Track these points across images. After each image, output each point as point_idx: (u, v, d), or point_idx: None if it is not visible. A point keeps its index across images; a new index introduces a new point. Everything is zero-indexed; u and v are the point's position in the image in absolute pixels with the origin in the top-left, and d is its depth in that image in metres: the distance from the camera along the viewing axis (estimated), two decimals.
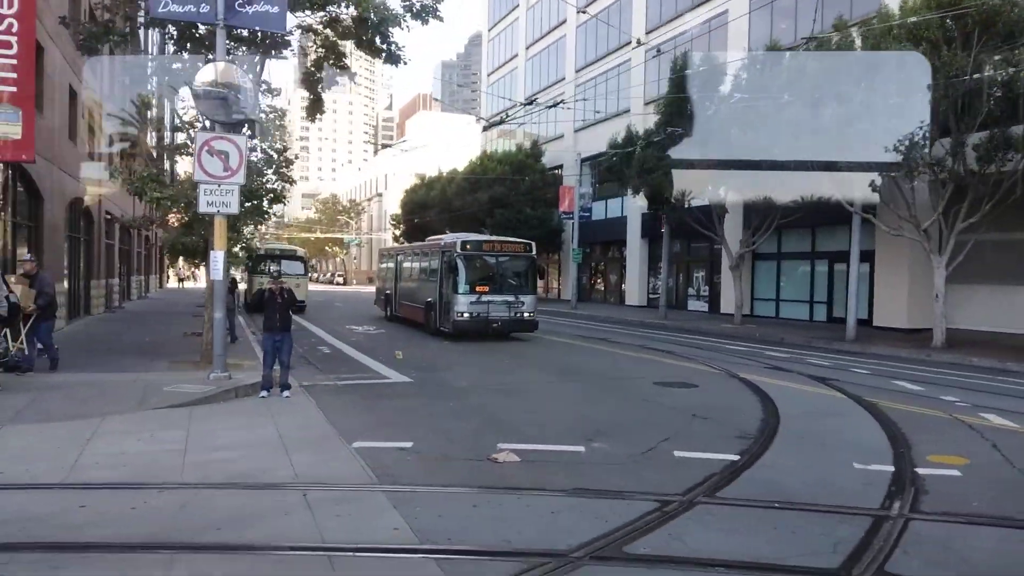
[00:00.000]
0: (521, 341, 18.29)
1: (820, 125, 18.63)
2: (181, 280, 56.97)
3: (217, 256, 10.35)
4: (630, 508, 5.32)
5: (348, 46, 14.73)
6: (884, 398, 10.42)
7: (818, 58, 19.21)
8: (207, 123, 11.07)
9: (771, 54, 21.76)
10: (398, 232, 51.36)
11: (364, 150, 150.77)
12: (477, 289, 18.03)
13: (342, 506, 5.28)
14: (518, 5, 48.58)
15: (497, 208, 39.40)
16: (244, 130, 11.33)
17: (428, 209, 45.46)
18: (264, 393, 9.70)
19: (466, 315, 17.77)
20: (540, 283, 29.66)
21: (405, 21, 13.14)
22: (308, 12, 12.82)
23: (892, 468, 6.58)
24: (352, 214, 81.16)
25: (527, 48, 47.35)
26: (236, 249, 14.14)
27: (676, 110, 23.79)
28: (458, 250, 18.17)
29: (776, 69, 21.69)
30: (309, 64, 13.98)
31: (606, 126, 34.38)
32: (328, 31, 13.43)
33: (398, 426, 8.08)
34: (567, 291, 38.83)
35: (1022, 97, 14.91)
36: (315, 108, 14.13)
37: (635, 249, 35.23)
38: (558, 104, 28.35)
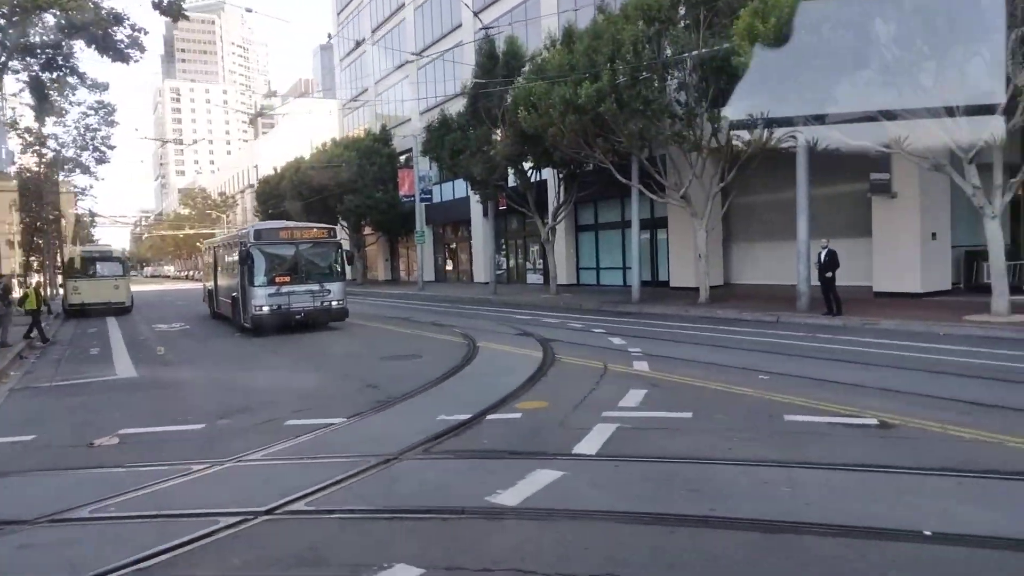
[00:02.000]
0: (323, 331, 18.07)
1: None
2: None
3: None
4: (141, 475, 5.92)
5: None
6: (575, 355, 11.55)
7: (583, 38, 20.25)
8: None
9: (568, 34, 22.74)
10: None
11: (245, 140, 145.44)
12: (277, 280, 17.42)
13: None
14: None
15: (347, 194, 39.41)
16: None
17: (282, 199, 44.87)
18: None
19: (265, 308, 17.16)
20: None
21: (127, 21, 13.18)
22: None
23: (468, 416, 7.48)
24: (223, 208, 78.63)
25: (373, 32, 47.15)
26: None
27: (482, 93, 24.59)
28: (251, 240, 17.48)
29: (577, 46, 22.68)
30: (36, 66, 13.78)
31: (446, 108, 34.90)
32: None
33: (42, 423, 8.42)
34: (421, 273, 39.34)
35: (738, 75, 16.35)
36: (44, 109, 13.96)
37: (479, 228, 36.06)
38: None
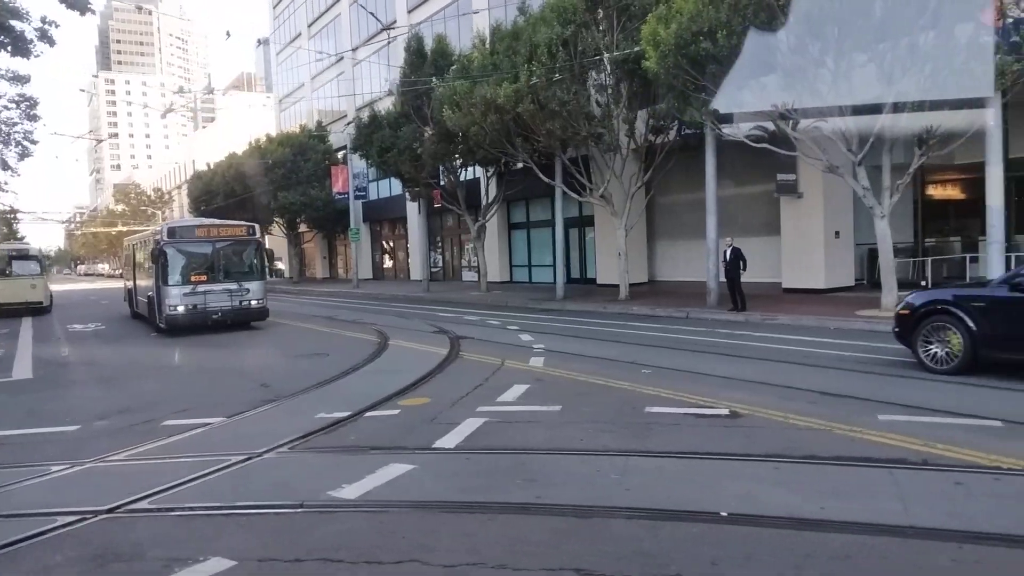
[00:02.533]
0: (241, 331, 17.61)
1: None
2: None
3: None
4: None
5: None
6: (479, 352, 11.77)
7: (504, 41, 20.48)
8: None
9: (495, 34, 22.89)
10: None
11: (184, 135, 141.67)
12: (193, 279, 17.15)
13: None
14: None
15: (281, 191, 38.88)
16: None
17: (215, 196, 43.99)
18: None
19: (180, 308, 16.89)
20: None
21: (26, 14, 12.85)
22: None
23: (347, 413, 7.61)
24: (159, 204, 76.57)
25: (309, 26, 46.57)
26: None
27: (410, 91, 24.62)
28: (165, 238, 17.21)
29: (497, 46, 22.86)
30: None
31: (380, 105, 34.72)
32: None
33: None
34: (359, 271, 39.05)
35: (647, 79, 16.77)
36: None
37: (415, 226, 35.97)
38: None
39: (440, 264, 35.68)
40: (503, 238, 30.13)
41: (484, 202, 26.10)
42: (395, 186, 38.41)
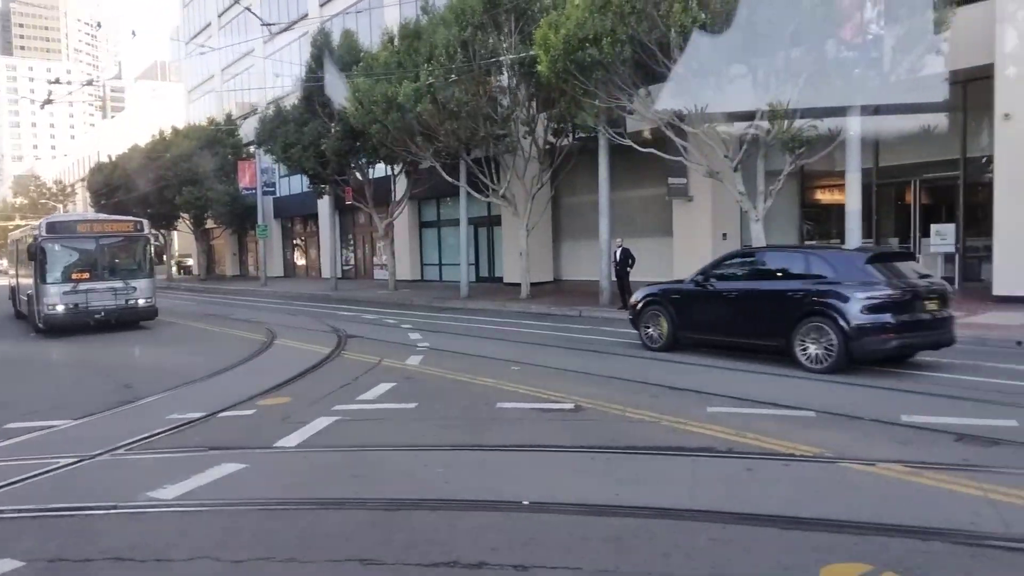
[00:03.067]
0: (126, 331, 16.73)
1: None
2: None
3: None
4: None
5: None
6: (362, 351, 11.80)
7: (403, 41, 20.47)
8: None
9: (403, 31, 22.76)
10: None
11: (92, 124, 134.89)
12: (74, 277, 16.39)
13: None
14: None
15: (186, 186, 37.60)
16: None
17: (116, 190, 42.16)
18: None
19: (59, 308, 16.08)
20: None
21: None
22: None
23: (200, 414, 7.54)
24: (60, 198, 72.72)
25: (219, 16, 45.20)
26: None
27: (316, 87, 24.31)
28: (44, 233, 16.39)
29: (399, 45, 22.77)
30: None
31: (291, 100, 34.03)
32: None
33: None
34: (269, 268, 38.20)
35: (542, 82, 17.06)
36: None
37: (326, 223, 35.44)
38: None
39: (352, 262, 35.31)
40: (414, 236, 30.09)
41: (394, 200, 26.00)
42: (307, 182, 37.80)
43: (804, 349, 8.95)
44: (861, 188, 14.31)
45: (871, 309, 8.50)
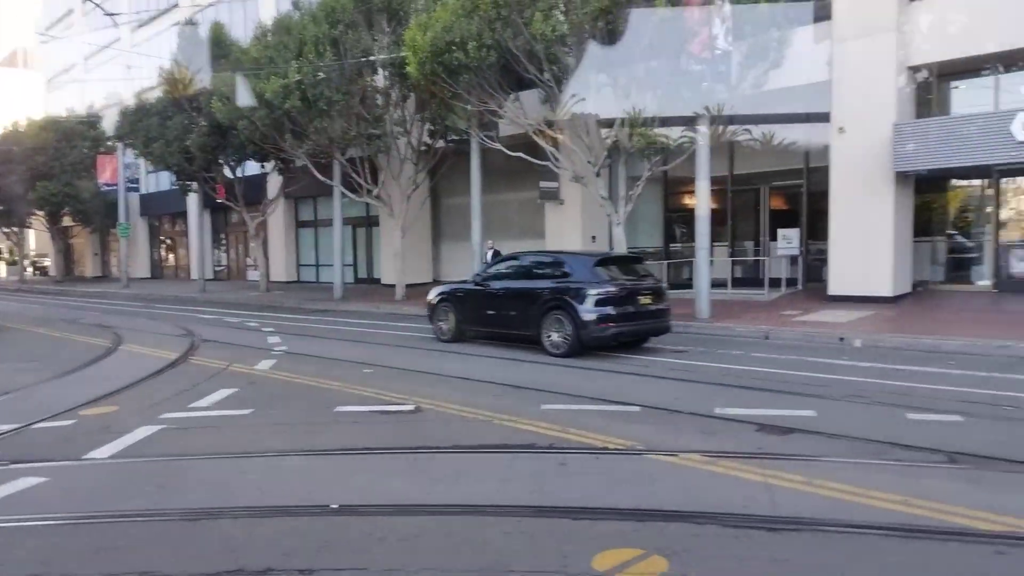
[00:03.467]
0: None
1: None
2: None
3: None
4: None
5: None
6: (212, 355, 11.34)
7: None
8: None
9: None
10: None
11: None
12: None
13: None
14: None
15: (41, 180, 34.83)
16: None
17: None
18: None
19: None
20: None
21: None
22: None
23: (13, 426, 7.01)
24: None
25: (84, 2, 42.15)
26: None
27: (180, 79, 23.10)
28: None
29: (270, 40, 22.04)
30: None
31: (151, 93, 32.26)
32: None
33: None
34: (133, 269, 36.00)
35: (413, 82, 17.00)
36: None
37: (194, 221, 33.85)
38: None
39: (225, 263, 33.87)
40: (290, 236, 29.25)
41: (267, 198, 25.18)
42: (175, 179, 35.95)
43: (549, 337, 10.59)
44: (712, 194, 15.18)
45: (596, 303, 10.17)
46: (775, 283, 17.18)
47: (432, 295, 12.73)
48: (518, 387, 8.33)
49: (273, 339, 13.16)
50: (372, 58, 17.25)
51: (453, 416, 6.98)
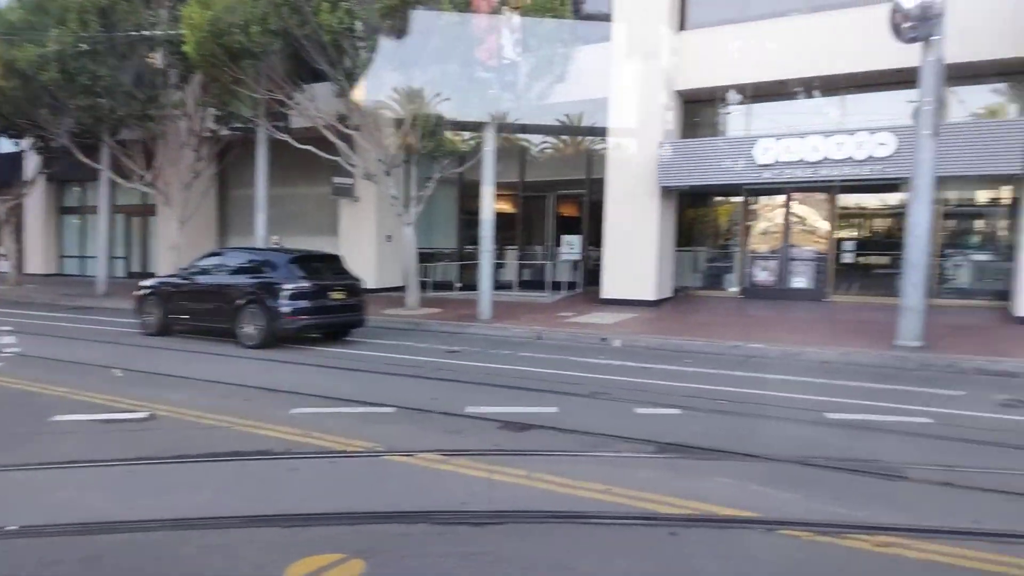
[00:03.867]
0: None
1: None
2: None
3: None
4: None
5: None
6: None
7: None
8: None
9: None
10: None
11: None
12: None
13: None
14: None
15: None
16: None
17: None
18: None
19: None
20: None
21: None
22: None
23: None
24: None
25: None
26: None
27: None
28: None
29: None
30: None
31: None
32: None
33: None
34: None
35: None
36: None
37: None
38: None
39: None
40: (51, 224, 26.06)
41: (22, 180, 22.21)
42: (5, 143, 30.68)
43: (243, 329, 11.11)
44: (505, 199, 15.72)
45: (290, 297, 10.88)
46: (558, 286, 18.11)
47: (140, 287, 12.77)
48: (272, 390, 8.00)
49: (6, 340, 11.59)
50: (145, 33, 15.80)
51: (189, 423, 6.53)
